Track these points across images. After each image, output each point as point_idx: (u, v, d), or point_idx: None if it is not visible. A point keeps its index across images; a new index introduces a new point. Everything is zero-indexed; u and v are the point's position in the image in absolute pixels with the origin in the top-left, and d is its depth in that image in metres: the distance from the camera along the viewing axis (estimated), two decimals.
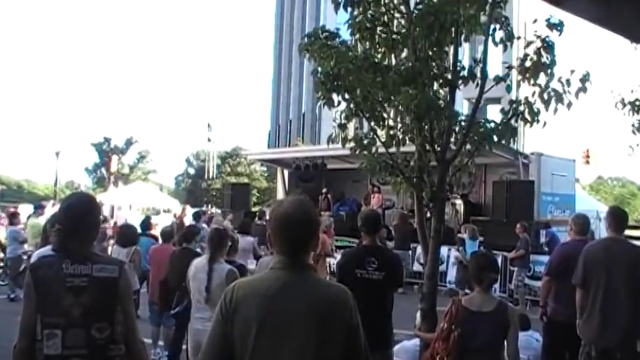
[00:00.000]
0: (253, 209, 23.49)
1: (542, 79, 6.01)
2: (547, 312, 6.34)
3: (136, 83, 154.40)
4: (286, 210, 2.59)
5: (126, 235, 9.03)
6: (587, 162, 36.37)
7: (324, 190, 21.12)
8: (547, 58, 5.97)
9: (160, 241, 9.62)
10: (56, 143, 51.84)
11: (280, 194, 24.35)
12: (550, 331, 6.34)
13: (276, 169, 26.44)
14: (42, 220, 13.09)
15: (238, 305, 2.48)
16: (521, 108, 6.09)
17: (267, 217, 2.76)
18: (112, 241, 11.22)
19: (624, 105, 10.30)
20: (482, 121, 6.42)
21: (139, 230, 9.87)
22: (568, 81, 5.93)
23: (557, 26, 5.94)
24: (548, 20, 5.94)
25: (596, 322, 5.44)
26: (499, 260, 12.94)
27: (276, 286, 2.50)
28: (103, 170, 64.62)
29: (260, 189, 58.70)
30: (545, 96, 5.95)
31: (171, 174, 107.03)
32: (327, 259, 11.55)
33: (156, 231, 11.11)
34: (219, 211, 23.70)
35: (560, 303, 6.13)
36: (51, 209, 16.05)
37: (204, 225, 14.08)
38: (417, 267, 15.20)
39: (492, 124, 6.26)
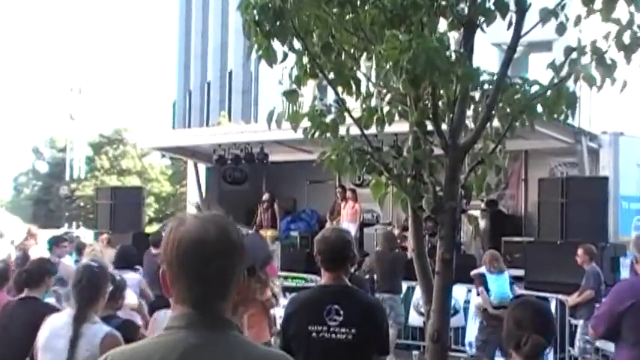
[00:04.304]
0: (148, 229, 23.40)
1: (621, 10, 6.03)
2: None
3: None
4: (191, 232, 2.57)
5: None
6: None
7: (265, 197, 21.26)
8: None
9: None
10: None
11: (193, 205, 24.24)
12: None
13: (186, 163, 26.36)
14: None
15: None
16: (585, 60, 6.13)
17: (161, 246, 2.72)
18: None
19: None
20: (520, 81, 6.49)
21: None
22: None
23: None
24: None
25: None
26: (552, 307, 13.07)
27: (176, 355, 2.49)
28: None
29: (160, 196, 58.59)
30: (627, 39, 5.99)
31: (7, 173, 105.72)
32: (271, 311, 11.55)
33: None
34: (89, 234, 23.52)
35: None
36: None
37: (65, 258, 13.92)
38: (415, 320, 15.37)
39: (537, 87, 6.34)
